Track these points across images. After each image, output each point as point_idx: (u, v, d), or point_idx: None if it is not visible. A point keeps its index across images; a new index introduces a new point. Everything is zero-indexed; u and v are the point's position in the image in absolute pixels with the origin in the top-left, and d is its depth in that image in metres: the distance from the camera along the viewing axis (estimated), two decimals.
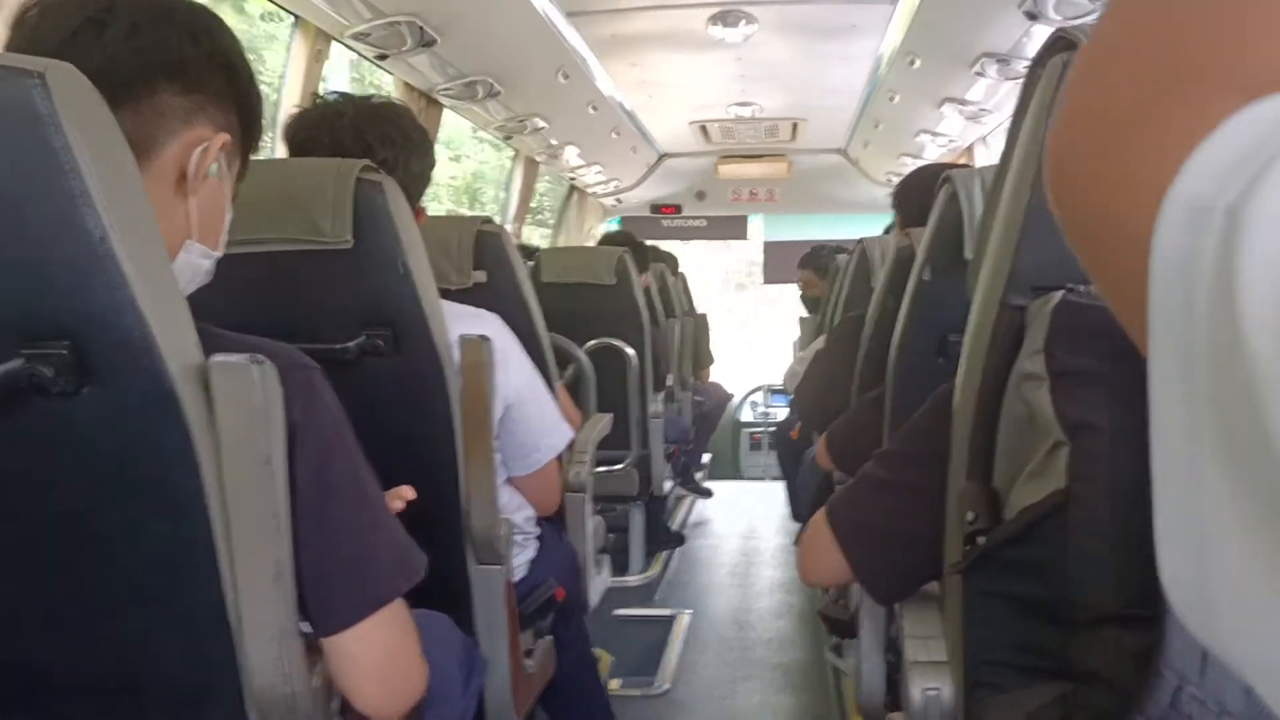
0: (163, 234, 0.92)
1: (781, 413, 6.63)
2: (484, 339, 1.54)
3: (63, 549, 0.90)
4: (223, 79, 1.00)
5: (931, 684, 1.02)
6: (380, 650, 1.05)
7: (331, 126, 1.56)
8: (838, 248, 4.65)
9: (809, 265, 5.23)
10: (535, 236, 6.59)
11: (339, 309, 1.48)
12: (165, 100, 0.95)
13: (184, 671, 0.94)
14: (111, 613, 0.92)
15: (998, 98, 4.00)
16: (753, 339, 9.07)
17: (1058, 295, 0.81)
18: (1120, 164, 0.33)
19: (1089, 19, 2.94)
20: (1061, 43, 0.85)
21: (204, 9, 1.02)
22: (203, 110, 0.98)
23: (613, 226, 7.11)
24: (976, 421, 0.90)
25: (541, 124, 4.59)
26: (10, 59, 0.78)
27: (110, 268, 0.79)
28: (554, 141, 5.07)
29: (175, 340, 0.84)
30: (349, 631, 1.01)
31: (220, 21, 1.02)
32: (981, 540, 0.85)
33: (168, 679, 0.94)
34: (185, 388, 0.84)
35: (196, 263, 1.01)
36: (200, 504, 0.87)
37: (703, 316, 5.96)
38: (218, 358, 0.86)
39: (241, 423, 0.87)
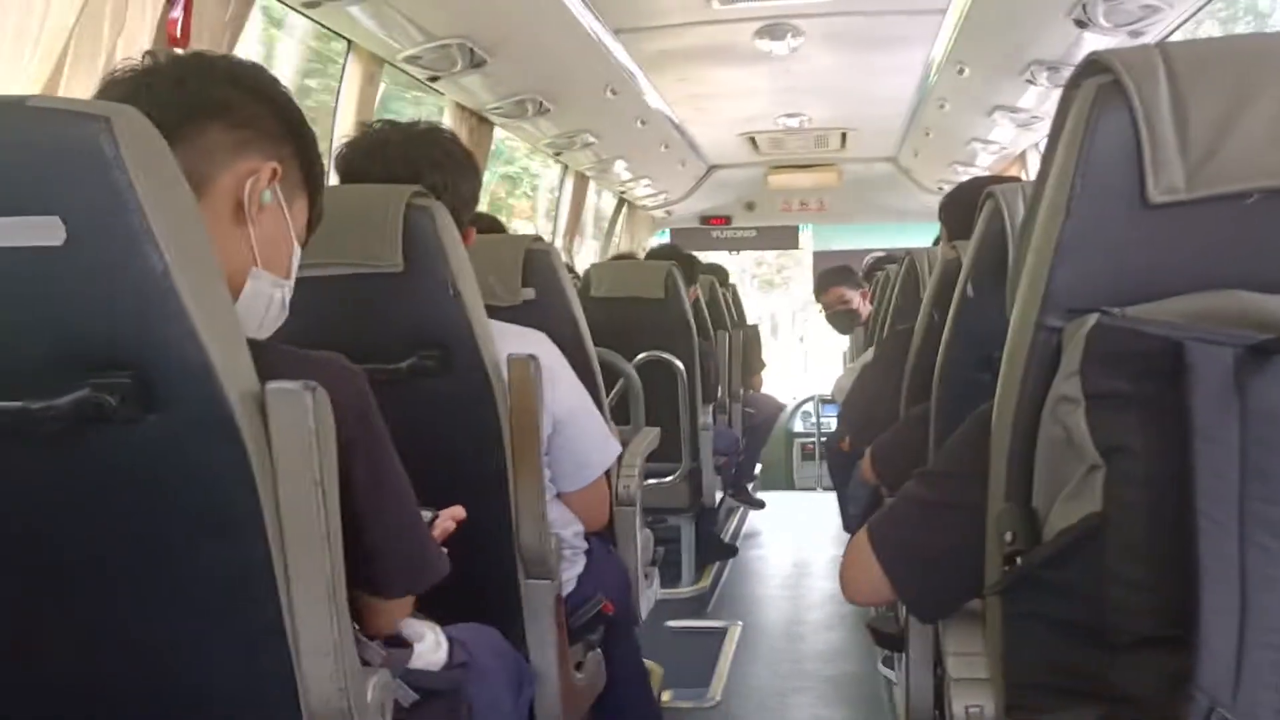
0: (226, 264, 0.98)
1: (833, 423, 6.60)
2: (531, 358, 1.56)
3: (126, 569, 0.94)
4: (269, 115, 1.06)
5: (974, 701, 1.03)
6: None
7: (382, 154, 1.61)
8: (883, 258, 4.61)
9: (838, 282, 5.16)
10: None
11: (391, 330, 1.52)
12: (213, 137, 1.01)
13: (243, 687, 0.97)
14: (173, 630, 0.96)
15: (1049, 104, 3.96)
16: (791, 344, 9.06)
17: (1093, 318, 0.81)
18: None
19: (1139, 25, 2.92)
20: (1095, 66, 0.85)
21: (242, 58, 1.10)
22: (251, 144, 1.03)
23: (662, 238, 7.14)
24: (1014, 442, 0.91)
25: (591, 139, 4.64)
26: (78, 104, 0.82)
27: (171, 300, 0.83)
28: (604, 156, 5.11)
29: (233, 368, 0.88)
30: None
31: (261, 67, 1.10)
32: (1019, 561, 0.86)
33: (227, 694, 0.98)
34: (243, 414, 0.88)
35: (267, 291, 1.05)
36: (257, 525, 0.90)
37: (753, 327, 5.97)
38: (273, 385, 0.90)
39: (296, 446, 0.90)
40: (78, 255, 0.82)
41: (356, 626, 1.06)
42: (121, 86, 1.02)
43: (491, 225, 2.29)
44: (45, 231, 0.82)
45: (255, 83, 1.06)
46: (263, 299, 1.06)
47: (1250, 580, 0.69)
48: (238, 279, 1.03)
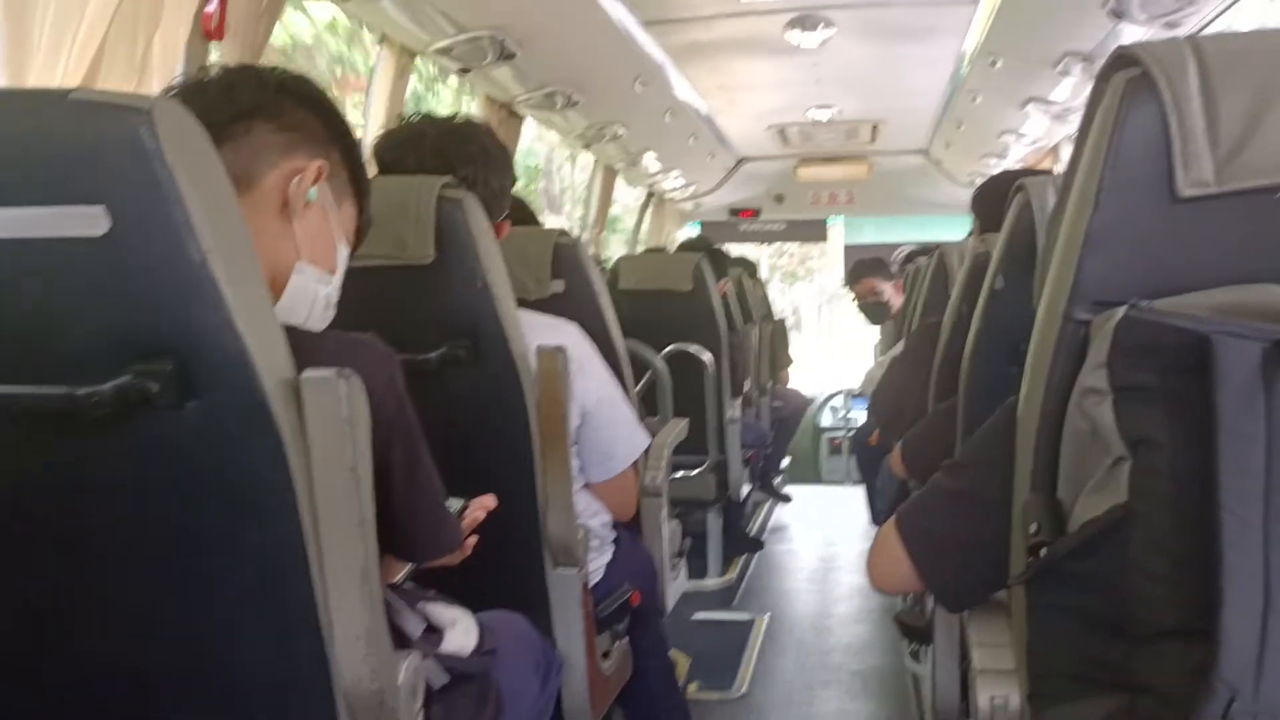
0: (272, 259, 1.02)
1: (862, 417, 6.58)
2: (560, 349, 1.58)
3: (164, 553, 0.96)
4: (315, 120, 1.11)
5: (999, 691, 1.03)
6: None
7: (416, 146, 1.63)
8: (916, 251, 4.59)
9: (870, 273, 5.16)
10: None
11: (421, 321, 1.54)
12: (261, 137, 1.06)
13: (276, 670, 1.00)
14: (209, 614, 0.98)
15: (1082, 97, 3.90)
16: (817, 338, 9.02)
17: (1121, 311, 0.82)
18: None
19: (1175, 16, 2.88)
20: (1125, 59, 0.85)
21: (288, 68, 1.14)
22: (298, 145, 1.08)
23: (693, 230, 7.14)
24: (1040, 434, 0.91)
25: (620, 131, 4.65)
26: (121, 97, 0.84)
27: (209, 289, 0.85)
28: (632, 149, 5.12)
29: (269, 357, 0.89)
30: None
31: (306, 76, 1.14)
32: (1044, 552, 0.86)
33: (261, 677, 1.00)
34: (278, 401, 0.90)
35: (312, 287, 1.09)
36: (292, 510, 0.92)
37: (780, 322, 5.96)
38: (308, 373, 0.91)
39: (330, 433, 0.92)
40: (120, 245, 0.84)
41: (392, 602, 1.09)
42: (175, 93, 1.08)
43: (521, 214, 2.30)
44: (89, 221, 0.84)
45: (303, 91, 1.11)
46: (308, 294, 1.09)
47: (1274, 575, 0.69)
48: (283, 274, 1.06)
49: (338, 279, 1.15)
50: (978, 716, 1.03)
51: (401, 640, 1.17)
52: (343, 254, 1.15)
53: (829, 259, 11.00)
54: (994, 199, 2.06)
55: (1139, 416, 0.78)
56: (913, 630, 1.91)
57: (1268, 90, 0.79)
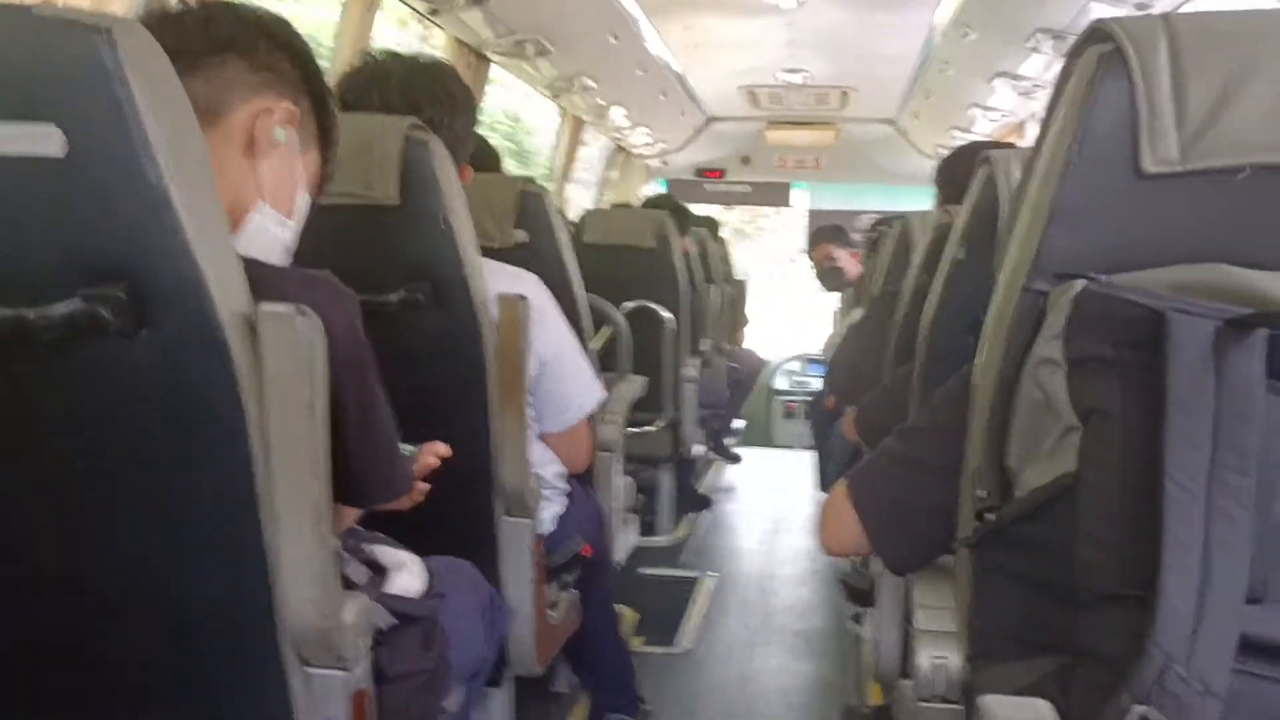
0: (233, 196, 1.01)
1: (817, 382, 6.63)
2: (521, 298, 1.57)
3: (115, 481, 0.95)
4: (288, 62, 1.09)
5: (940, 653, 1.05)
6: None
7: (381, 84, 1.60)
8: (881, 221, 4.61)
9: (828, 239, 5.19)
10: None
11: (383, 263, 1.52)
12: (234, 72, 1.04)
13: (224, 603, 0.99)
14: (158, 546, 0.97)
15: (1051, 74, 3.93)
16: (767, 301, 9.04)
17: (1080, 283, 0.83)
18: None
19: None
20: (1098, 34, 0.86)
21: (267, 10, 1.12)
22: (270, 85, 1.06)
23: (661, 187, 7.11)
24: (993, 402, 0.93)
25: (590, 83, 4.59)
26: (83, 15, 0.82)
27: (166, 214, 0.84)
28: (601, 102, 5.06)
29: (226, 287, 0.88)
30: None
31: (283, 19, 1.12)
32: (991, 517, 0.88)
33: (209, 609, 0.99)
34: (234, 333, 0.88)
35: (271, 230, 1.07)
36: (244, 445, 0.91)
37: (740, 283, 5.96)
38: (266, 306, 0.90)
39: (286, 368, 0.91)
40: (75, 166, 0.83)
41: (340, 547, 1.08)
42: (151, 21, 1.05)
43: (486, 159, 2.27)
44: (44, 140, 0.82)
45: (281, 33, 1.10)
46: (266, 235, 1.07)
47: (1214, 547, 0.71)
48: (242, 211, 1.05)
49: (296, 226, 1.13)
50: (918, 677, 1.05)
51: (347, 585, 1.16)
52: (303, 202, 1.14)
53: (782, 219, 10.93)
54: (958, 171, 2.07)
55: (1092, 387, 0.80)
56: (857, 593, 1.95)
57: (1238, 72, 0.80)
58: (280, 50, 1.08)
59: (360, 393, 1.05)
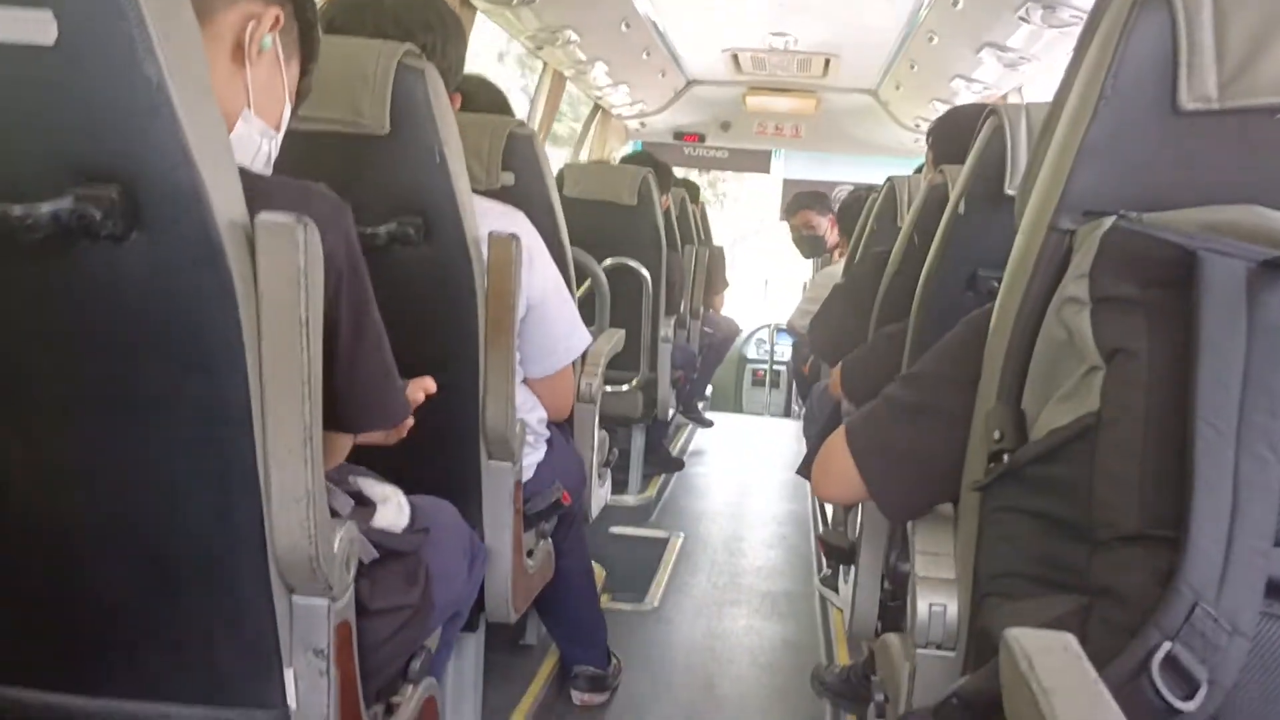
0: (220, 100, 0.95)
1: (786, 351, 6.65)
2: (514, 237, 1.54)
3: (105, 395, 0.91)
4: None
5: (938, 599, 1.04)
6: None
7: (374, 9, 1.54)
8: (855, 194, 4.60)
9: (807, 206, 5.17)
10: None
11: (372, 194, 1.47)
12: None
13: (212, 528, 0.96)
14: (148, 465, 0.94)
15: (1038, 46, 3.92)
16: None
17: (1109, 220, 0.81)
18: None
19: None
20: None
21: None
22: None
23: (636, 150, 7.05)
24: (1012, 343, 0.91)
25: (573, 37, 4.52)
26: None
27: (164, 114, 0.80)
28: (583, 57, 4.99)
29: (224, 195, 0.84)
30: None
31: None
32: (1006, 459, 0.86)
33: (196, 534, 0.96)
34: (231, 243, 0.85)
35: (255, 139, 1.03)
36: (239, 361, 0.88)
37: (719, 248, 5.94)
38: (265, 216, 0.86)
39: (283, 282, 0.88)
40: (69, 56, 0.78)
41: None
42: None
43: (493, 98, 2.21)
44: (36, 27, 0.77)
45: None
46: (250, 145, 1.03)
47: (1243, 487, 0.70)
48: (229, 119, 1.00)
49: (279, 136, 1.09)
50: (916, 623, 1.04)
51: (332, 514, 1.13)
52: (287, 112, 1.10)
53: (745, 187, 10.79)
54: (955, 129, 2.06)
55: (1118, 327, 0.78)
56: (836, 551, 1.94)
57: (1278, 11, 0.78)
58: None
59: (354, 308, 1.01)
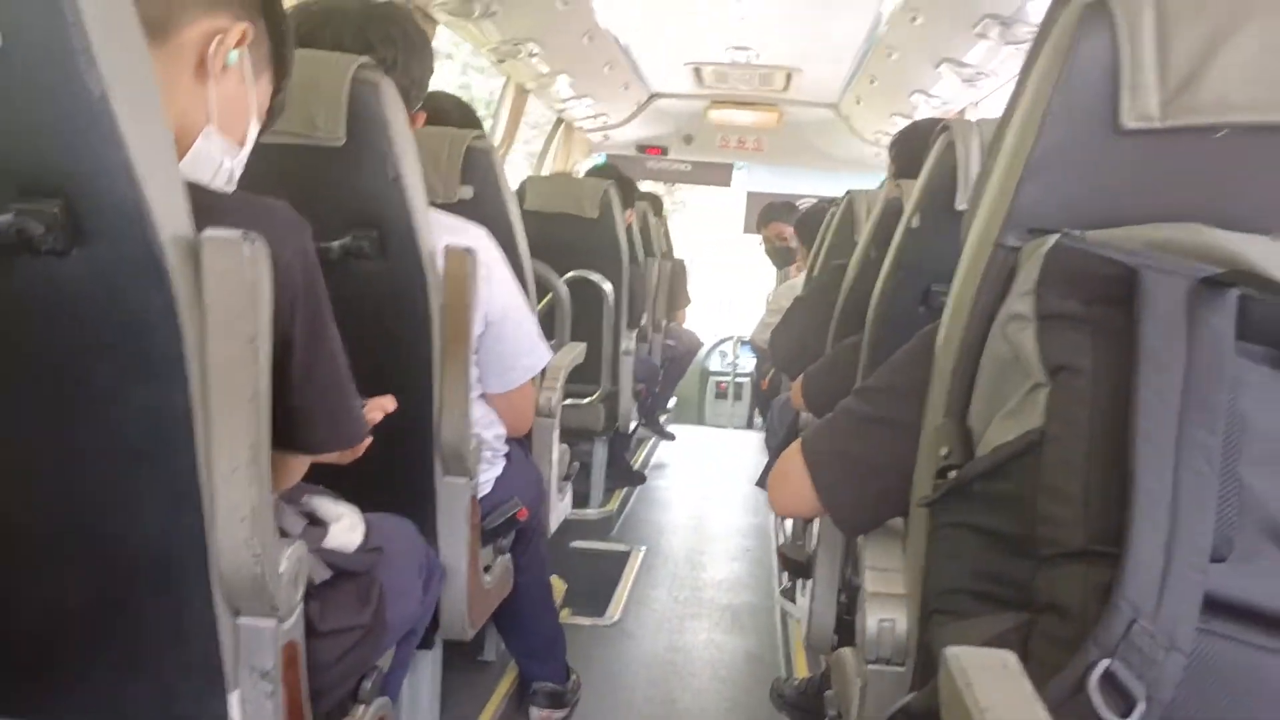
0: (180, 118, 0.96)
1: (749, 364, 6.68)
2: (469, 251, 1.53)
3: (46, 409, 0.90)
4: None
5: (887, 615, 1.05)
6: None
7: (335, 21, 1.53)
8: (818, 205, 4.63)
9: (779, 217, 5.21)
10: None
11: (327, 207, 1.46)
12: None
13: (155, 542, 0.94)
14: (92, 474, 0.92)
15: (995, 63, 3.98)
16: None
17: (1053, 238, 0.82)
18: None
19: None
20: None
21: None
22: (226, 5, 1.00)
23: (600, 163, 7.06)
24: (959, 359, 0.92)
25: (535, 50, 4.52)
26: None
27: (107, 127, 0.78)
28: (546, 70, 4.99)
29: (168, 209, 0.83)
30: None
31: None
32: (953, 475, 0.87)
33: (139, 547, 0.95)
34: (174, 259, 0.84)
35: (216, 156, 1.01)
36: (181, 377, 0.86)
37: (680, 261, 5.96)
38: (210, 232, 0.85)
39: (229, 299, 0.86)
40: (10, 70, 0.77)
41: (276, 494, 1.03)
42: None
43: (464, 115, 2.21)
44: None
45: None
46: (210, 163, 1.01)
47: (1182, 502, 0.70)
48: (189, 136, 0.99)
49: (244, 154, 1.07)
50: (865, 639, 1.04)
51: (282, 534, 1.12)
52: (253, 130, 1.08)
53: (699, 200, 10.71)
54: (913, 143, 2.08)
55: (1062, 343, 0.79)
56: (793, 564, 1.94)
57: (1221, 29, 0.79)
58: None
59: (310, 327, 1.00)
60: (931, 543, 0.92)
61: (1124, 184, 0.84)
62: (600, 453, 4.10)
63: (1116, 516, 0.71)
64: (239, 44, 1.00)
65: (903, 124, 5.39)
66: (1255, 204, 0.81)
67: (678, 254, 6.18)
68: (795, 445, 1.17)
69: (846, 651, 1.26)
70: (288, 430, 0.98)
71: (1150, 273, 0.76)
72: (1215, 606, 0.71)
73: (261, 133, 1.13)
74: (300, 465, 1.13)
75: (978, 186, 0.96)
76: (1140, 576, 0.69)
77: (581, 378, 3.45)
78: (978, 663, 0.61)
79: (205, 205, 0.87)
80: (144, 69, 0.83)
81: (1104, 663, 0.68)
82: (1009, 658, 0.63)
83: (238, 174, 1.07)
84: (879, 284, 1.64)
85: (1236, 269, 0.76)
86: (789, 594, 3.09)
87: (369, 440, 1.27)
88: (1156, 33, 0.80)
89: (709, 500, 4.73)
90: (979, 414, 0.90)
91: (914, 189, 1.55)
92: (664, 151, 7.27)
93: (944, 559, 0.89)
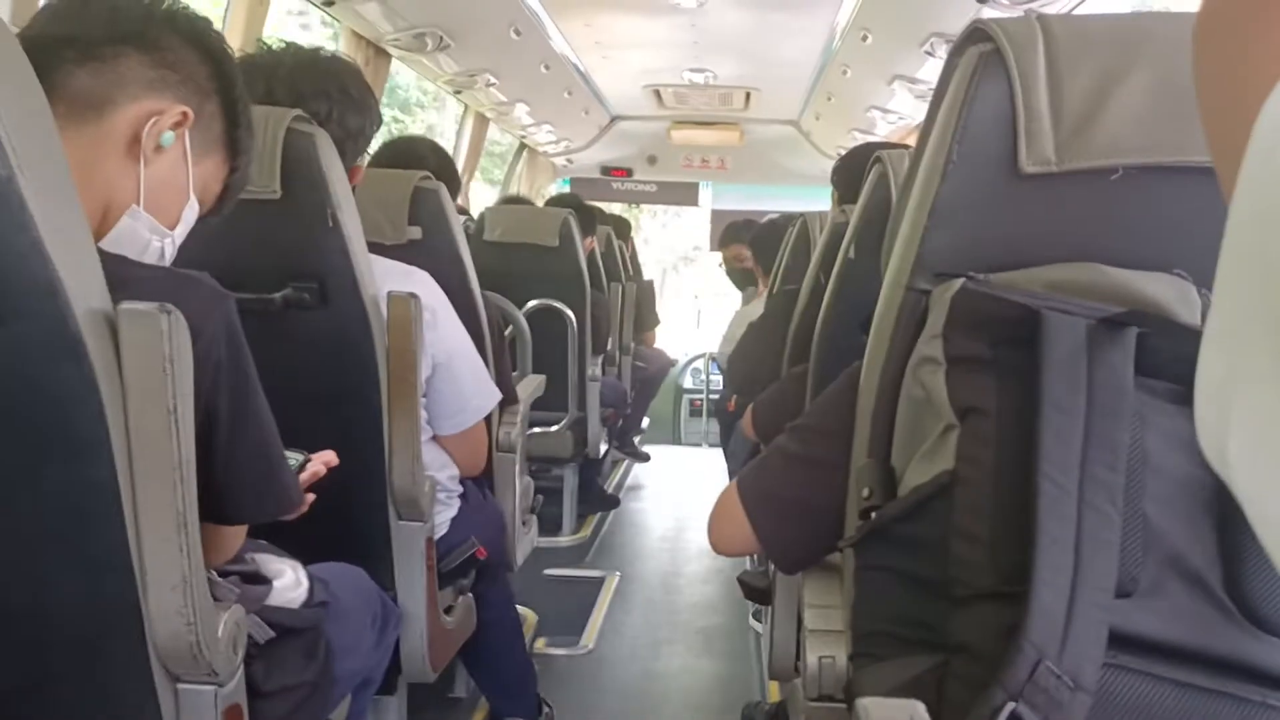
0: (108, 195, 0.96)
1: (722, 381, 6.68)
2: (413, 296, 1.53)
3: None
4: (198, 61, 1.04)
5: (827, 651, 1.05)
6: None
7: (267, 75, 1.54)
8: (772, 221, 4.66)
9: (738, 239, 5.23)
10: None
11: (265, 259, 1.47)
12: (130, 66, 0.98)
13: (86, 615, 0.94)
14: (12, 553, 0.91)
15: None
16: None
17: (958, 283, 0.83)
18: (1243, 54, 0.38)
19: (1037, 5, 2.97)
20: (978, 34, 0.86)
21: (188, 8, 1.06)
22: (168, 85, 1.01)
23: (564, 187, 7.09)
24: (879, 401, 0.93)
25: (492, 80, 4.54)
26: None
27: (15, 208, 0.78)
28: (504, 98, 5.02)
29: (82, 285, 0.83)
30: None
31: (206, 20, 1.07)
32: (874, 516, 0.88)
33: (68, 623, 0.94)
34: (91, 333, 0.84)
35: (144, 236, 1.01)
36: (104, 450, 0.86)
37: (649, 283, 5.97)
38: (126, 305, 0.86)
39: (148, 371, 0.87)
40: None
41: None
42: (58, 6, 1.00)
43: (441, 161, 2.23)
44: None
45: (194, 29, 1.05)
46: (137, 240, 1.01)
47: (1085, 542, 0.72)
48: (116, 213, 0.99)
49: (179, 233, 1.07)
50: (806, 675, 1.05)
51: (222, 594, 1.11)
52: (191, 212, 1.07)
53: (658, 221, 10.70)
54: (853, 170, 2.09)
55: (970, 386, 0.80)
56: (754, 591, 1.94)
57: (1111, 73, 0.81)
58: (190, 48, 1.03)
59: (233, 401, 0.99)
60: (857, 585, 0.93)
61: (1026, 227, 0.86)
62: (570, 480, 4.10)
63: (1024, 557, 0.73)
64: (177, 126, 1.01)
65: (861, 139, 5.46)
66: (1152, 242, 0.83)
67: (650, 274, 6.20)
68: (732, 484, 1.17)
69: (797, 683, 1.26)
70: (215, 503, 0.98)
71: (1051, 314, 0.77)
72: (1122, 641, 0.72)
73: (218, 210, 1.13)
74: (235, 536, 1.12)
75: (891, 228, 0.97)
76: (1043, 618, 0.70)
77: (549, 405, 3.45)
78: (885, 714, 0.62)
79: (124, 278, 0.87)
80: (53, 148, 0.83)
81: (1009, 706, 0.69)
82: (917, 708, 0.64)
83: (171, 253, 1.06)
84: (822, 312, 1.66)
85: (1134, 308, 0.78)
86: (760, 615, 3.09)
87: (311, 497, 1.27)
88: (1048, 79, 0.82)
89: (684, 521, 4.73)
90: (899, 455, 0.91)
91: (852, 218, 1.57)
92: (629, 173, 7.31)
93: (866, 601, 0.90)
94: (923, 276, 0.88)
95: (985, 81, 0.83)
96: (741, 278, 5.29)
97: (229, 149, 1.11)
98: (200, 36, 1.05)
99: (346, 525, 1.62)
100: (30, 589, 0.92)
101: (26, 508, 0.89)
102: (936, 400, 0.82)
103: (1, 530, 0.90)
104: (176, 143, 1.02)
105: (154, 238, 1.03)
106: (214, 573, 1.07)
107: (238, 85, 1.10)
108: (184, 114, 1.01)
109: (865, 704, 0.62)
